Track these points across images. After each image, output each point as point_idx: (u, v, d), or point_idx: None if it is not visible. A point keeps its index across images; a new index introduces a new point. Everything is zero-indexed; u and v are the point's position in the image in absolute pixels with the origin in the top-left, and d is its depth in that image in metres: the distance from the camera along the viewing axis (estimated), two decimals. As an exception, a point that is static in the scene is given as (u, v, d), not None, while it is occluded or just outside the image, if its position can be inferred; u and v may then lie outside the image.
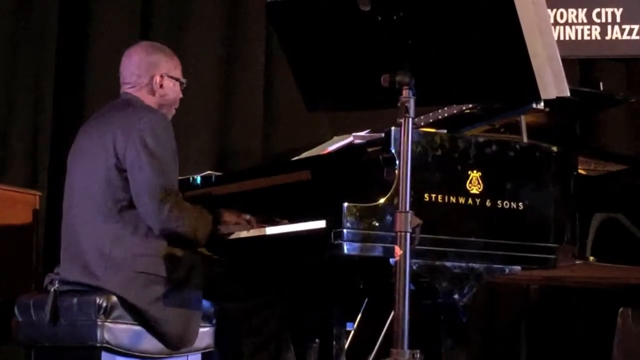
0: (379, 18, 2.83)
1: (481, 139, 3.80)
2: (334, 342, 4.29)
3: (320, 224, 3.53)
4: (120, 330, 3.71)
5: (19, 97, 5.54)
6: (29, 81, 5.56)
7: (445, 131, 3.87)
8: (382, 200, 3.53)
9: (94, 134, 3.93)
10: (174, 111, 4.10)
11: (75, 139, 4.05)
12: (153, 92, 4.00)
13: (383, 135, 3.65)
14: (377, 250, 3.51)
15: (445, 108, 4.25)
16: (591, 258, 4.02)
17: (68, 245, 3.91)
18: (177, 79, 4.05)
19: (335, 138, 4.30)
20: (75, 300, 3.77)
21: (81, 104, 5.54)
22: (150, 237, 3.77)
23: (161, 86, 4.00)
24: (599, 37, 5.93)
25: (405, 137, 2.87)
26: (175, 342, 3.76)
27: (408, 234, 2.82)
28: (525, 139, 3.99)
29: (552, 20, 5.75)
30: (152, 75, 3.99)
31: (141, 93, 3.99)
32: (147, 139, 3.75)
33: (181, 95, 4.11)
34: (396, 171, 3.54)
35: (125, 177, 3.77)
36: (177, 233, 3.75)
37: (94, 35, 5.62)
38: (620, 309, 4.48)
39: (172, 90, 4.04)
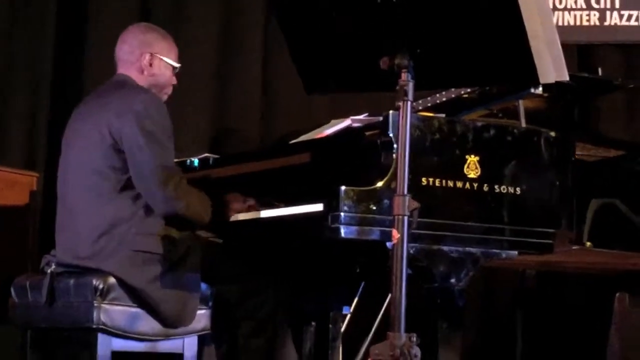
0: (378, 0, 2.82)
1: (479, 124, 3.80)
2: (331, 326, 4.29)
3: (318, 207, 3.52)
4: (116, 312, 3.70)
5: (17, 79, 5.53)
6: (27, 63, 5.55)
7: (443, 115, 3.87)
8: (379, 184, 3.52)
9: (88, 116, 3.90)
10: (165, 97, 4.02)
11: (69, 120, 4.02)
12: (141, 71, 3.95)
13: (381, 118, 3.64)
14: (375, 233, 3.51)
15: (444, 92, 4.25)
16: (588, 243, 4.02)
17: (64, 226, 3.90)
18: (169, 63, 4.01)
19: (333, 121, 4.29)
20: (71, 281, 3.77)
21: (79, 86, 5.53)
22: (149, 216, 3.76)
23: (150, 65, 3.96)
24: (597, 23, 5.92)
25: (403, 121, 2.86)
26: (172, 322, 3.76)
27: (406, 218, 2.82)
28: (523, 124, 3.98)
29: (550, 6, 5.74)
30: (141, 52, 3.95)
31: (131, 71, 3.95)
32: (143, 120, 3.72)
33: (174, 82, 4.06)
34: (394, 155, 3.53)
35: (123, 159, 3.75)
36: (179, 215, 3.75)
37: (92, 17, 5.61)
38: (617, 294, 4.48)
39: (163, 73, 3.99)
